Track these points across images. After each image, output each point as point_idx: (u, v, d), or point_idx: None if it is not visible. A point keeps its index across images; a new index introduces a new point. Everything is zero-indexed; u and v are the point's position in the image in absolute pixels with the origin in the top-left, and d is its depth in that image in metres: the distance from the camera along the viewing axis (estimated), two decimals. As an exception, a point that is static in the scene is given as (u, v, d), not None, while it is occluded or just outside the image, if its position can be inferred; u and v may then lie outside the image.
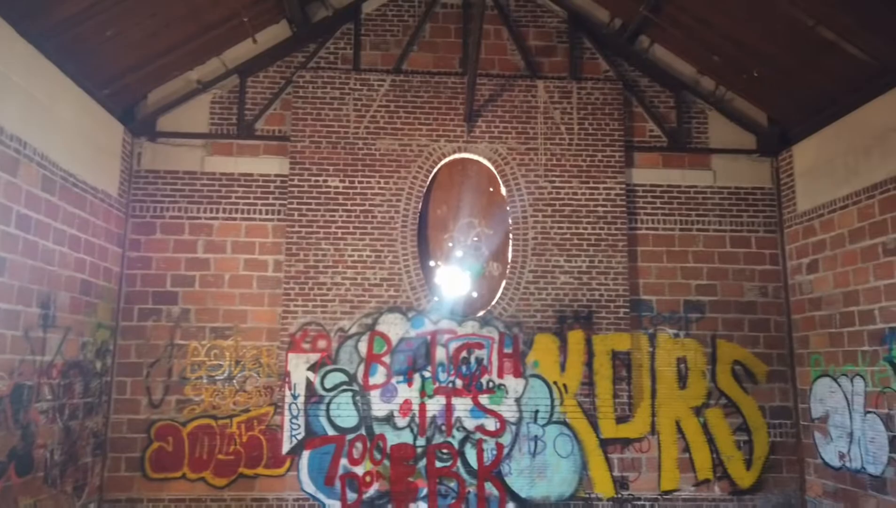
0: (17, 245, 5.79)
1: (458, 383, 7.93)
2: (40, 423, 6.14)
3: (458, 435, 7.83)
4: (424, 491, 7.71)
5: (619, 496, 7.89)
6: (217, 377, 7.84)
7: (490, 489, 7.76)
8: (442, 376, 7.94)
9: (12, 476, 5.69)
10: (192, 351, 7.87)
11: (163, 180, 8.22)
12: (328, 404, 7.78)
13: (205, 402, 7.78)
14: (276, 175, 8.35)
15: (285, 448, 7.69)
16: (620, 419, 8.02)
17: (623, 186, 8.50)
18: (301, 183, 8.22)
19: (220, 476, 7.62)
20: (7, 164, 5.67)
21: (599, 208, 8.44)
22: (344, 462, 7.70)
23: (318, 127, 8.35)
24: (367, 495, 7.67)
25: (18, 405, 5.79)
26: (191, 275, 8.04)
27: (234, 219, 8.24)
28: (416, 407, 7.85)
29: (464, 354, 8.01)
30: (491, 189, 8.64)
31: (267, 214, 8.27)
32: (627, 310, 8.21)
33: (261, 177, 8.35)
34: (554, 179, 8.48)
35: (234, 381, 7.85)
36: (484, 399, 7.92)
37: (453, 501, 7.71)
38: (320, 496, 7.63)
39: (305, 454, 7.69)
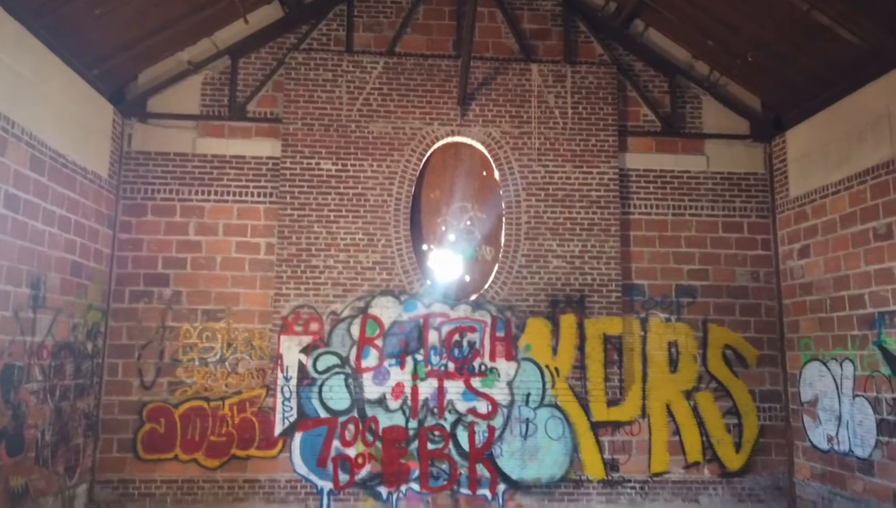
0: (5, 225, 5.75)
1: (451, 366, 7.96)
2: (31, 404, 6.13)
3: (450, 418, 7.87)
4: (416, 473, 7.76)
5: (610, 478, 7.96)
6: (209, 360, 7.84)
7: (481, 470, 7.81)
8: (434, 359, 7.96)
9: (3, 456, 5.69)
10: (183, 333, 7.86)
11: (154, 162, 8.17)
12: (320, 386, 7.80)
13: (197, 384, 7.78)
14: (269, 157, 8.30)
15: (278, 429, 7.71)
16: (611, 403, 8.06)
17: (616, 170, 8.49)
18: (293, 166, 8.18)
19: (212, 458, 7.65)
20: (-6, 143, 5.62)
21: (592, 193, 8.43)
22: (336, 443, 7.73)
23: (311, 109, 8.30)
24: (360, 476, 7.71)
25: (9, 386, 5.78)
26: (182, 257, 8.01)
27: (226, 201, 8.20)
28: (408, 390, 7.88)
29: (456, 337, 8.03)
30: (484, 173, 8.62)
31: (259, 196, 8.23)
32: (619, 294, 8.23)
33: (253, 159, 8.30)
34: (547, 163, 8.47)
35: (227, 363, 7.85)
36: (476, 382, 7.95)
37: (445, 482, 7.76)
38: (312, 477, 7.67)
39: (298, 435, 7.72)
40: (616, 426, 8.06)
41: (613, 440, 8.04)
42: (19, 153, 5.97)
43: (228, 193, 8.21)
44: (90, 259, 7.33)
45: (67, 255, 6.83)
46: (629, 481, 7.99)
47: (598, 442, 8.00)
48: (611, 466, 7.98)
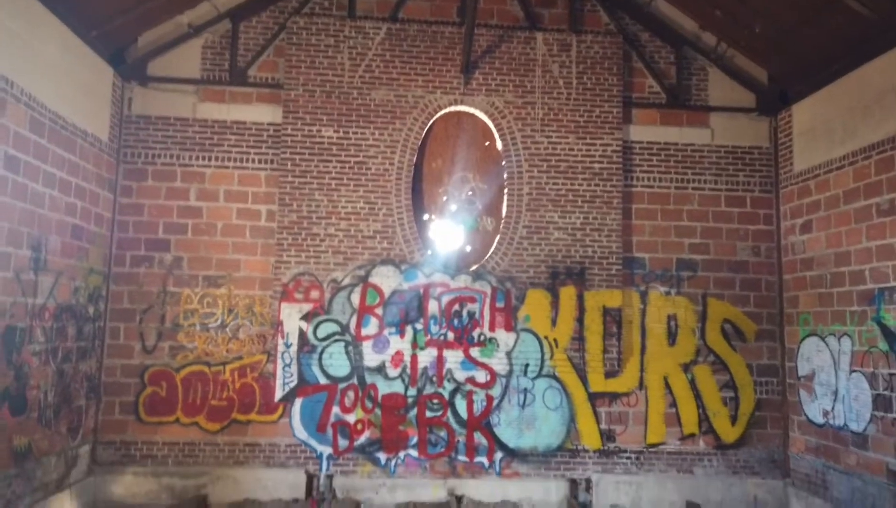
0: (5, 187, 5.73)
1: (450, 335, 7.99)
2: (33, 365, 6.17)
3: (449, 386, 7.93)
4: (415, 440, 7.85)
5: (606, 448, 8.05)
6: (210, 325, 7.88)
7: (479, 438, 7.91)
8: (434, 328, 8.00)
9: (6, 415, 5.74)
10: (185, 299, 7.88)
11: (154, 126, 8.10)
12: (321, 353, 7.85)
13: (198, 349, 7.83)
14: (270, 124, 8.23)
15: (278, 395, 7.79)
16: (609, 374, 8.12)
17: (620, 142, 8.42)
18: (294, 132, 8.11)
19: (213, 421, 7.74)
20: (-7, 103, 5.57)
21: (595, 165, 8.37)
22: (336, 409, 7.81)
23: (312, 75, 8.20)
24: (359, 442, 7.81)
25: (11, 347, 5.81)
26: (183, 223, 8.00)
27: (227, 167, 8.15)
28: (407, 358, 7.93)
29: (456, 307, 8.05)
30: (487, 143, 8.55)
31: (260, 163, 8.18)
32: (620, 267, 8.23)
33: (254, 125, 8.23)
34: (550, 133, 8.39)
35: (228, 329, 7.89)
36: (475, 352, 8.00)
37: (443, 449, 7.86)
38: (312, 442, 7.77)
39: (298, 401, 7.79)
40: (613, 397, 8.13)
41: (610, 411, 8.11)
42: (18, 114, 5.92)
43: (229, 158, 8.16)
44: (91, 223, 7.32)
45: (68, 218, 6.82)
46: (625, 451, 8.08)
47: (595, 413, 8.07)
48: (607, 436, 8.07)
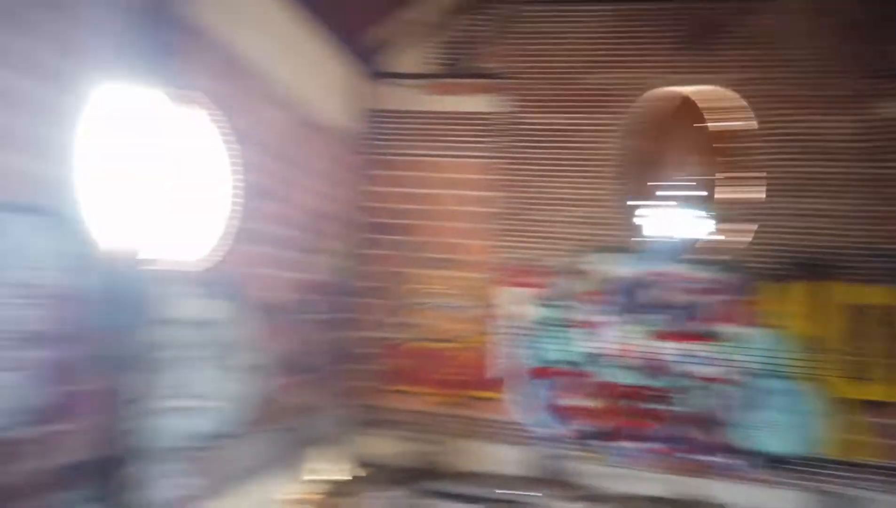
0: (291, 180, 6.63)
1: (676, 327, 7.69)
2: (311, 333, 7.10)
3: (675, 380, 7.64)
4: (636, 432, 7.69)
5: (853, 461, 7.22)
6: (436, 304, 8.33)
7: (703, 436, 7.52)
8: (657, 319, 7.75)
9: (290, 375, 6.62)
10: (417, 279, 8.41)
11: (389, 119, 8.67)
12: (539, 337, 7.98)
13: (426, 326, 8.32)
14: (489, 113, 8.45)
15: (499, 375, 8.05)
16: (864, 380, 7.24)
17: (878, 119, 7.44)
18: (513, 120, 8.30)
19: (440, 394, 8.20)
20: (275, 105, 6.31)
21: (847, 145, 7.50)
22: (553, 394, 7.91)
23: (532, 63, 8.30)
24: (575, 428, 7.84)
25: (297, 316, 6.75)
26: (414, 209, 8.51)
27: (451, 156, 8.50)
28: (628, 348, 7.78)
29: (683, 297, 7.72)
30: (717, 124, 8.03)
31: (480, 151, 8.43)
32: (882, 261, 7.28)
33: (475, 115, 8.49)
34: (792, 111, 7.66)
35: (451, 309, 8.28)
36: (703, 346, 7.61)
37: (668, 445, 7.59)
38: (529, 423, 7.95)
39: (518, 382, 8.01)
40: (869, 405, 7.22)
41: (866, 421, 7.23)
42: (286, 109, 6.57)
43: (453, 148, 8.51)
44: (348, 209, 8.17)
45: (334, 204, 7.72)
46: (879, 467, 7.18)
47: (844, 421, 7.28)
48: (858, 448, 7.23)
